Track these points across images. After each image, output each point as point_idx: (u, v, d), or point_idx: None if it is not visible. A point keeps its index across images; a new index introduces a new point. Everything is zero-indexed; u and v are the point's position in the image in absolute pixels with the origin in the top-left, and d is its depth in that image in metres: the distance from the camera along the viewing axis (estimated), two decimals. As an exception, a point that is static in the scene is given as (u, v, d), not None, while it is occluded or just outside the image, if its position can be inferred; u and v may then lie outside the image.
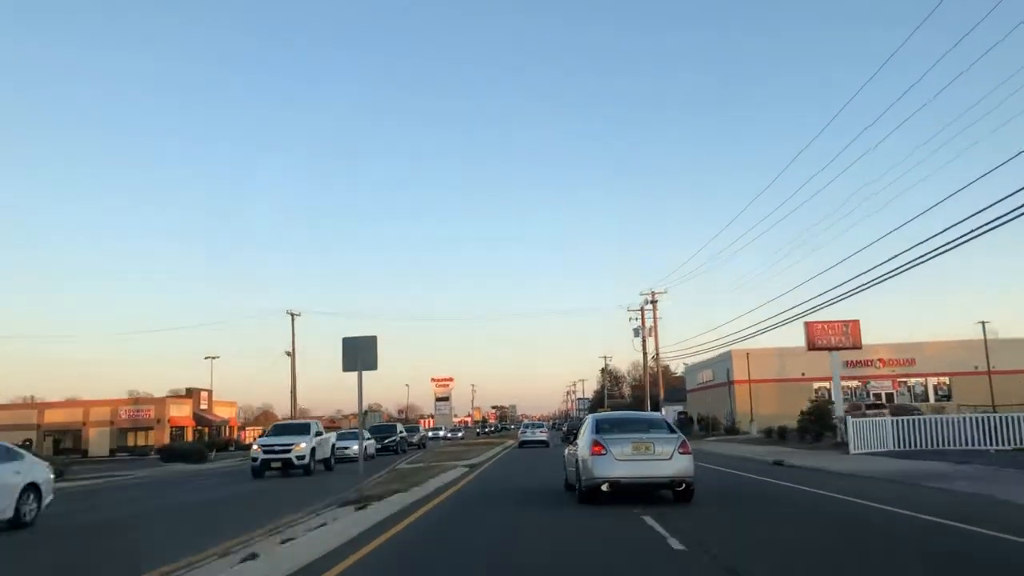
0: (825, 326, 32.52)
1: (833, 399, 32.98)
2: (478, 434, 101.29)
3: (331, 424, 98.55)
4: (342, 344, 12.84)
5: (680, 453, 12.45)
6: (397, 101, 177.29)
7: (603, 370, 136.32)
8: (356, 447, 31.60)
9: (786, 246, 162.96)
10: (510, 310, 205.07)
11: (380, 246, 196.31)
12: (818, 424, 35.47)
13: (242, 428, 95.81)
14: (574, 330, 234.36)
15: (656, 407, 76.80)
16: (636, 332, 62.05)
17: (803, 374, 60.33)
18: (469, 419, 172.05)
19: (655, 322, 55.96)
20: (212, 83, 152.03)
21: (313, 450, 24.27)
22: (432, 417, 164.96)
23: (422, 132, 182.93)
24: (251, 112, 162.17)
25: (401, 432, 40.54)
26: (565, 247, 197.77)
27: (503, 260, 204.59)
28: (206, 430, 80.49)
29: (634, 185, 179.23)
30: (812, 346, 32.67)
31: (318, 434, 25.77)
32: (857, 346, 32.59)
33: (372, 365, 12.98)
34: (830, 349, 32.67)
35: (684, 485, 12.52)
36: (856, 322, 32.47)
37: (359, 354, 13.16)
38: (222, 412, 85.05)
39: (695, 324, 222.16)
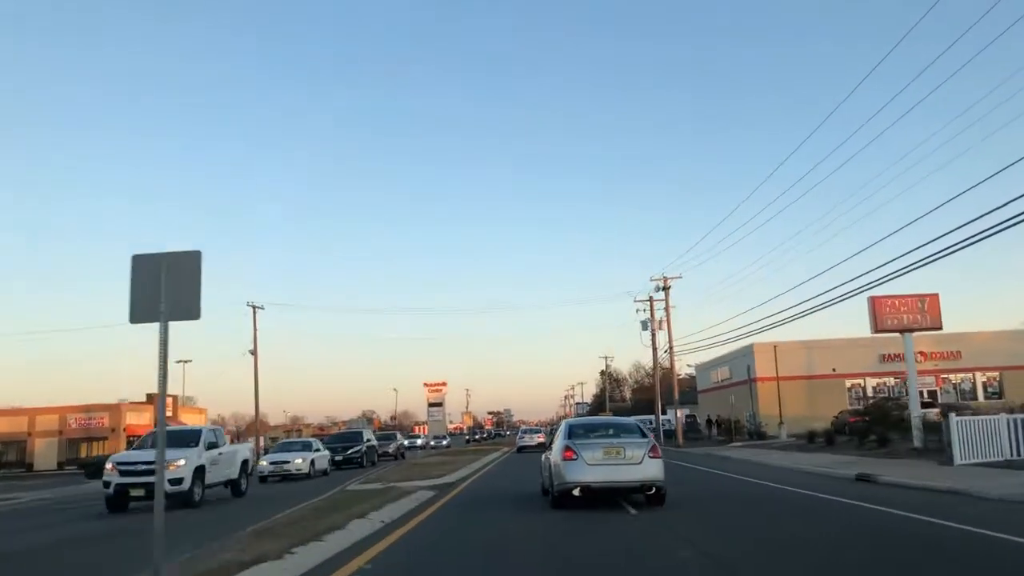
0: (896, 302, 25.62)
1: (908, 394, 26.01)
2: (468, 441, 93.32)
3: (319, 432, 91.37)
4: (131, 268, 6.00)
5: (650, 457, 12.63)
6: (390, 97, 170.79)
7: (603, 372, 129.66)
8: (302, 460, 24.66)
9: (803, 231, 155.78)
10: (508, 310, 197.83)
11: (379, 248, 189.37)
12: (882, 426, 28.62)
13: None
14: (574, 332, 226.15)
15: (689, 401, 70.03)
16: (644, 325, 55.30)
17: (834, 370, 53.53)
18: (464, 425, 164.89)
19: (667, 311, 49.09)
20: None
21: (200, 469, 17.02)
22: (425, 424, 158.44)
23: (420, 131, 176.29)
24: (247, 110, 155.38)
25: (368, 441, 33.53)
26: (565, 243, 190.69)
27: (501, 258, 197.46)
28: (171, 440, 73.40)
29: (633, 171, 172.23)
30: (879, 327, 25.78)
31: (212, 445, 17.99)
32: (937, 326, 25.77)
33: (191, 311, 6.12)
34: (902, 331, 25.77)
35: (655, 489, 12.75)
36: (935, 296, 25.61)
37: (166, 289, 6.28)
38: (190, 420, 77.84)
39: (706, 318, 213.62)
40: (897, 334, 26.46)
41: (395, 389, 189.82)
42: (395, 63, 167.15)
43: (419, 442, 59.95)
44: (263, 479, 24.66)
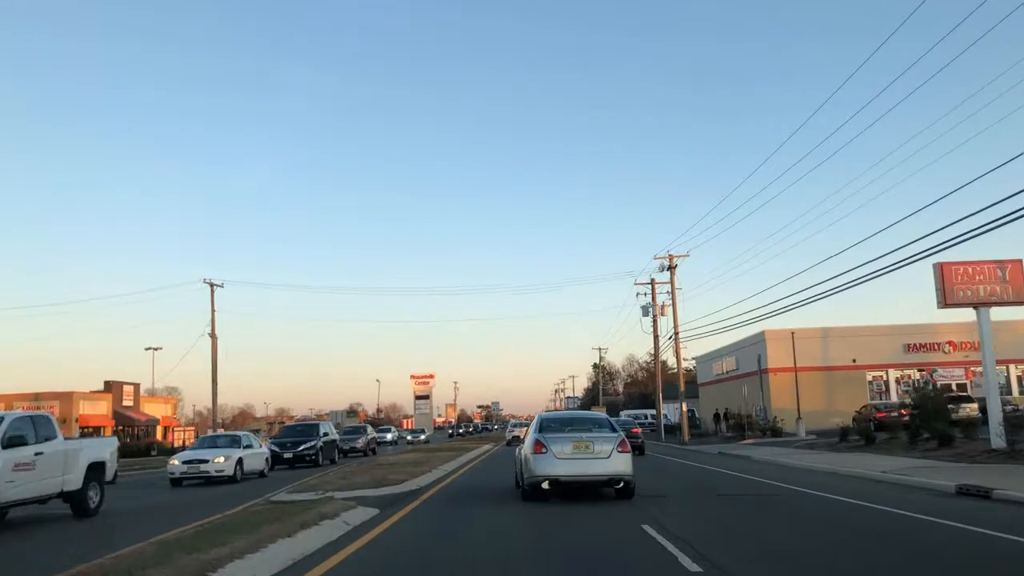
0: (970, 269, 20.67)
1: (985, 382, 21.08)
2: (451, 436, 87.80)
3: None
4: None
5: (619, 452, 12.74)
6: (381, 79, 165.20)
7: (596, 365, 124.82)
8: (224, 459, 19.62)
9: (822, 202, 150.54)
10: (498, 301, 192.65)
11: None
12: (939, 421, 23.79)
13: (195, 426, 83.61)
14: (567, 322, 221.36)
15: (674, 398, 65.17)
16: (645, 310, 50.33)
17: (854, 360, 48.69)
18: (454, 419, 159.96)
19: (672, 293, 43.99)
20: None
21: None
22: (412, 418, 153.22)
23: (417, 123, 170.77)
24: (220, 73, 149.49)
25: (325, 435, 28.37)
26: (560, 223, 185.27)
27: (491, 245, 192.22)
28: (134, 431, 68.04)
29: (632, 139, 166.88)
30: (949, 300, 20.85)
31: (13, 442, 11.52)
32: (1019, 300, 20.83)
33: None
34: (976, 304, 20.84)
35: (623, 483, 12.88)
36: (1017, 264, 20.69)
37: None
38: (154, 410, 72.55)
39: (709, 305, 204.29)
40: (969, 308, 21.51)
41: (378, 380, 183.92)
42: (376, 31, 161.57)
43: (388, 437, 53.69)
44: (175, 482, 19.55)
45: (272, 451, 27.13)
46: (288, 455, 26.82)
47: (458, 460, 26.89)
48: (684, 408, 44.41)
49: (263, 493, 16.66)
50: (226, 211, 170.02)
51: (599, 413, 18.31)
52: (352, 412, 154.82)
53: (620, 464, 12.69)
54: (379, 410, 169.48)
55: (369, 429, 40.01)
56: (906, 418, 36.87)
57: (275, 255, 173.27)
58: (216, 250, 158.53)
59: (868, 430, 27.68)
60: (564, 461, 12.58)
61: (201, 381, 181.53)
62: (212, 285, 47.00)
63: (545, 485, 12.66)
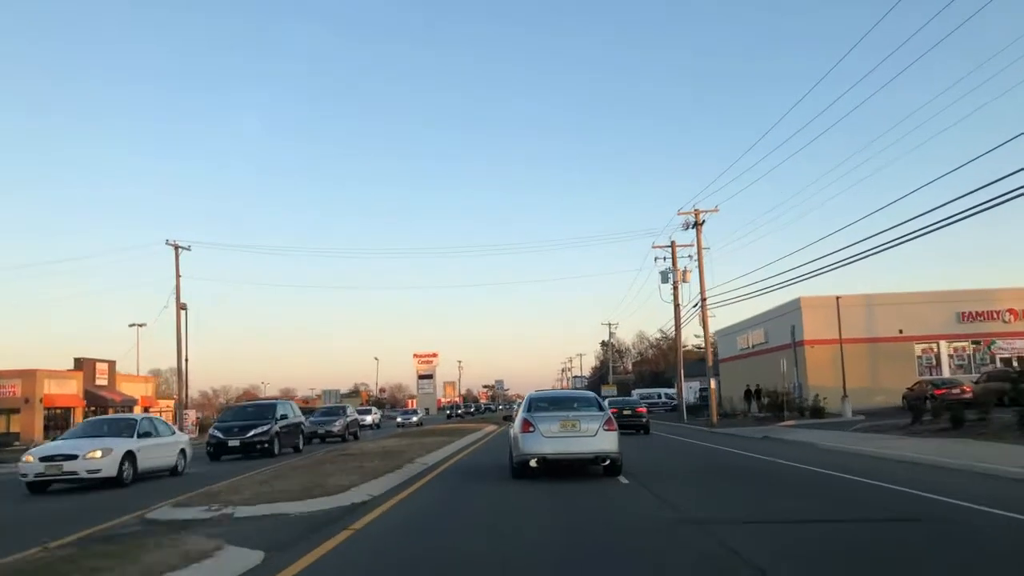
0: None
1: None
2: (449, 416, 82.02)
3: (302, 406, 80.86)
4: None
5: (605, 430, 12.90)
6: (382, 36, 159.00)
7: (605, 343, 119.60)
8: (101, 454, 14.26)
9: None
10: (505, 278, 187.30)
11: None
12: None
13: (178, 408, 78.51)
14: (576, 295, 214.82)
15: (696, 375, 59.76)
16: (664, 276, 44.81)
17: (900, 331, 43.12)
18: (460, 398, 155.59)
19: (699, 253, 38.33)
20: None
21: None
22: (414, 398, 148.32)
23: (413, 87, 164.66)
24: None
25: (282, 418, 22.86)
26: (576, 186, 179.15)
27: (497, 218, 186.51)
28: (109, 411, 63.07)
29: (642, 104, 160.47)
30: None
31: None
32: None
33: None
34: None
35: (609, 461, 13.06)
36: None
37: None
38: (132, 389, 67.56)
39: (733, 269, 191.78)
40: None
41: (376, 358, 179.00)
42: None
43: (368, 420, 47.52)
44: (34, 487, 14.06)
45: (214, 438, 21.88)
46: (234, 442, 21.47)
47: (445, 449, 21.60)
48: (713, 385, 38.97)
49: (149, 504, 11.40)
50: (225, 177, 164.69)
51: (587, 392, 18.44)
52: (354, 392, 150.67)
53: (606, 442, 12.86)
54: (382, 390, 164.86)
55: (349, 410, 34.43)
56: (968, 395, 31.59)
57: (278, 220, 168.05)
58: (213, 217, 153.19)
59: (956, 410, 22.12)
60: (551, 439, 12.75)
61: (205, 360, 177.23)
62: (177, 247, 41.74)
63: (533, 463, 12.84)
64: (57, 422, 56.05)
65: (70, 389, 58.03)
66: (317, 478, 12.87)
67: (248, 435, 21.63)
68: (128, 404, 64.25)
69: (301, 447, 24.70)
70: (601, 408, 13.61)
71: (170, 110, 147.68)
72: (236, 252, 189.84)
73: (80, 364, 60.32)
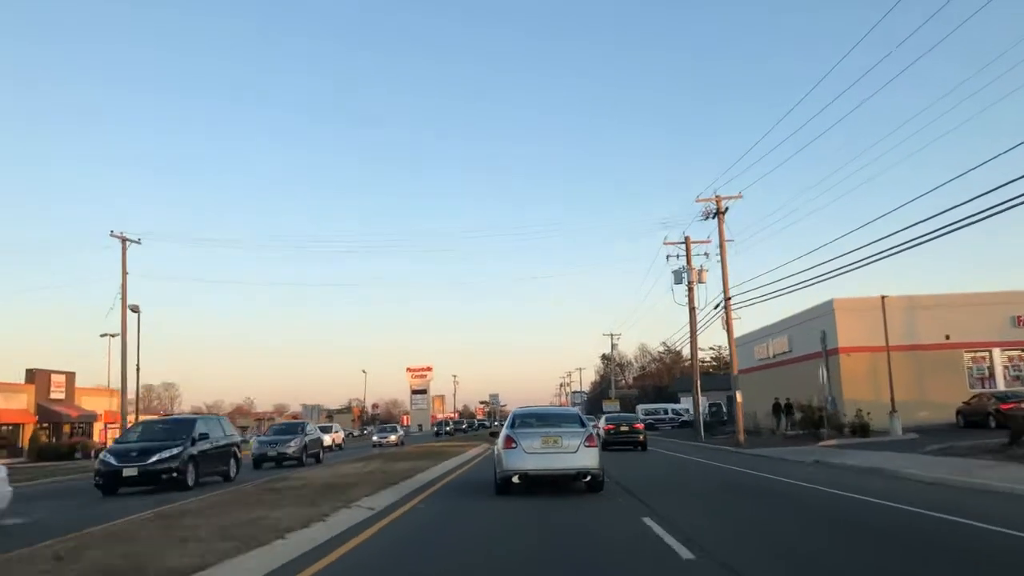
0: None
1: None
2: (437, 435, 76.33)
3: (293, 420, 75.18)
4: None
5: (586, 446, 12.85)
6: (378, 56, 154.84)
7: (605, 356, 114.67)
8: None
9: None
10: (502, 289, 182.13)
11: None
12: None
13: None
14: (576, 306, 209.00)
15: (710, 388, 54.51)
16: (678, 276, 39.73)
17: (947, 337, 37.87)
18: (455, 414, 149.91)
19: (722, 246, 33.10)
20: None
21: None
22: (408, 414, 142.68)
23: (409, 97, 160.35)
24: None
25: (202, 439, 17.01)
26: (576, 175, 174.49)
27: (494, 226, 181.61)
28: (65, 428, 57.72)
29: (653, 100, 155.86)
30: None
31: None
32: None
33: None
34: None
35: (590, 476, 13.00)
36: None
37: None
38: (95, 404, 62.17)
39: (755, 265, 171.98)
40: None
41: (364, 371, 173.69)
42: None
43: (327, 440, 41.07)
44: None
45: (104, 464, 16.57)
46: (130, 471, 16.06)
47: (410, 482, 16.27)
48: (739, 398, 33.57)
49: None
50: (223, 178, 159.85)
51: (569, 408, 18.71)
52: (346, 408, 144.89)
53: (586, 459, 12.81)
54: (375, 405, 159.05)
55: (309, 427, 28.78)
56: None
57: (270, 230, 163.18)
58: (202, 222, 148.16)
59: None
60: (533, 455, 12.74)
61: (202, 375, 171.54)
62: (124, 240, 36.57)
63: (515, 479, 12.92)
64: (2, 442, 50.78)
65: (17, 403, 52.64)
66: (148, 547, 7.61)
67: (149, 461, 16.22)
68: (86, 419, 58.90)
69: (233, 475, 19.36)
70: (583, 424, 13.66)
71: (171, 120, 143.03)
72: (231, 264, 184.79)
73: (32, 376, 54.98)
